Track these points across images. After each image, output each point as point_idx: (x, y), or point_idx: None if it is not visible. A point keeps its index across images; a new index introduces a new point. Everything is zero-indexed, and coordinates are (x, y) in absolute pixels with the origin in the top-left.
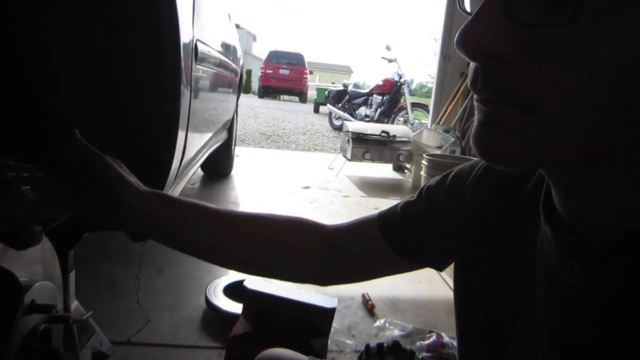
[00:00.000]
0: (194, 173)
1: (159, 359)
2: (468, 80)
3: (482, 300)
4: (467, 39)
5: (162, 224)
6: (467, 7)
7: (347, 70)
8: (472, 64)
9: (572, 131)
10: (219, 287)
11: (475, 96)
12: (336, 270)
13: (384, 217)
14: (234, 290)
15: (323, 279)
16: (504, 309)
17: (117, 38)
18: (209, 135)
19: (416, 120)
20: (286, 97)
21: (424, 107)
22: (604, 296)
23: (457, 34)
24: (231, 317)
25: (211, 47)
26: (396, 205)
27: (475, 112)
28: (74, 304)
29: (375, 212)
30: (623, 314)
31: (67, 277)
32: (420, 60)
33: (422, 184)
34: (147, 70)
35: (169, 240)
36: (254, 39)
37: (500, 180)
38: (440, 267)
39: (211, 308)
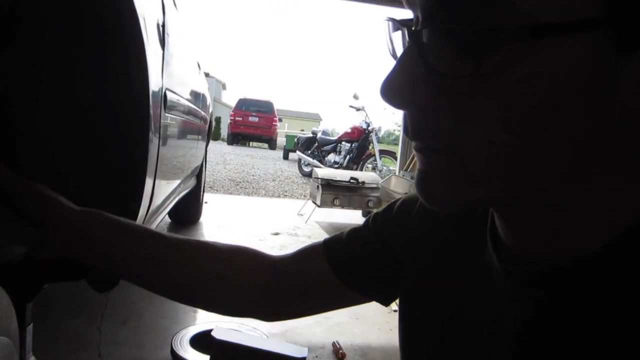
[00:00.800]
0: (161, 220)
1: None
2: (402, 126)
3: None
4: (389, 90)
5: (97, 243)
6: (398, 55)
7: (316, 118)
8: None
9: (496, 174)
10: (185, 337)
11: (413, 145)
12: (281, 301)
13: (329, 243)
14: (201, 341)
15: (267, 312)
16: (463, 342)
17: (85, 86)
18: (178, 182)
19: (384, 167)
20: (255, 144)
21: (392, 155)
22: (548, 327)
23: (381, 84)
24: None
25: (180, 95)
26: (342, 232)
27: (417, 161)
28: (31, 359)
29: None
30: (566, 345)
31: (24, 331)
32: (387, 109)
33: None
34: (115, 117)
35: (103, 261)
36: (224, 87)
37: None
38: (385, 300)
39: (176, 358)
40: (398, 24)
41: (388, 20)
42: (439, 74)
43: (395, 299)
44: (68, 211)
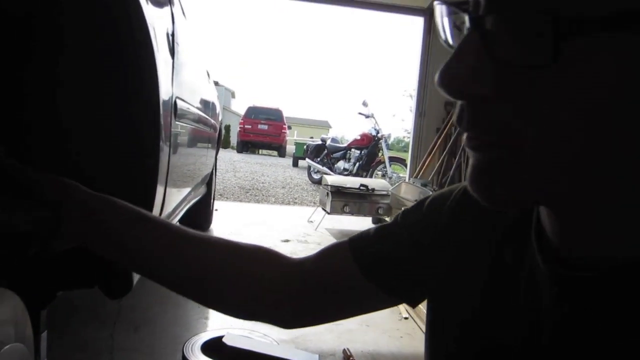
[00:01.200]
0: None
1: None
2: (454, 117)
3: (467, 334)
4: (447, 79)
5: (112, 230)
6: (450, 40)
7: (325, 125)
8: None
9: (558, 170)
10: (196, 344)
11: (465, 141)
12: (304, 303)
13: (355, 241)
14: (213, 348)
15: (288, 315)
16: (494, 341)
17: (96, 95)
18: (188, 189)
19: (394, 174)
20: (265, 151)
21: (402, 161)
22: (591, 331)
23: (437, 73)
24: None
25: (190, 103)
26: (369, 229)
27: (469, 156)
28: None
29: None
30: (608, 348)
31: (38, 338)
32: (397, 116)
33: None
34: (126, 126)
35: (118, 251)
36: (233, 95)
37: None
38: (413, 300)
39: None
40: (455, 10)
41: (440, 4)
42: (505, 63)
43: (424, 299)
44: (84, 195)
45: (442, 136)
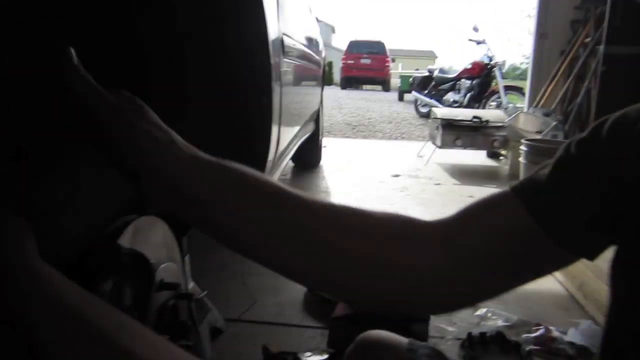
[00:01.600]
0: (286, 164)
1: (267, 335)
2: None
3: None
4: None
5: (202, 206)
6: None
7: (431, 56)
8: None
9: None
10: None
11: None
12: (457, 281)
13: (525, 189)
14: None
15: (436, 300)
16: None
17: (208, 39)
18: (298, 127)
19: (510, 105)
20: (369, 86)
21: (519, 90)
22: None
23: None
24: (331, 300)
25: (296, 40)
26: (536, 174)
27: None
28: (191, 284)
29: (470, 200)
30: None
31: (183, 260)
32: (512, 40)
33: (521, 171)
34: (239, 68)
35: (212, 227)
36: (333, 30)
37: None
38: (590, 254)
39: (312, 291)
40: None
41: None
42: None
43: (603, 250)
44: (169, 166)
45: (567, 59)
